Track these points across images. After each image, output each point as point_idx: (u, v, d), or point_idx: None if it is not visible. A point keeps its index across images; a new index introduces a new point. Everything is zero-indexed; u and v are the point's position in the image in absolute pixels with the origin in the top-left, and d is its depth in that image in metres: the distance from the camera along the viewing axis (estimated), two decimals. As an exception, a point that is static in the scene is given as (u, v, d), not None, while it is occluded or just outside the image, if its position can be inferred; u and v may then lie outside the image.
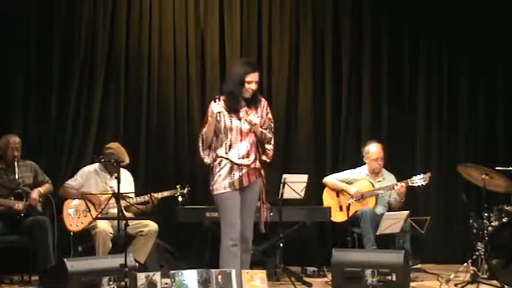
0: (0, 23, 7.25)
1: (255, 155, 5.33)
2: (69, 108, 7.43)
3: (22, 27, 7.38)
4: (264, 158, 5.37)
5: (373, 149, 7.24)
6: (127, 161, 6.52)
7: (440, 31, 8.14)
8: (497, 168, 6.66)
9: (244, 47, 7.89)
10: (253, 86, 5.29)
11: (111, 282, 5.40)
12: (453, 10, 8.11)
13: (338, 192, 7.22)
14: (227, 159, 5.28)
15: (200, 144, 5.36)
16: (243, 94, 5.30)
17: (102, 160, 6.49)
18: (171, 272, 5.24)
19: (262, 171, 5.39)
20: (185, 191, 6.72)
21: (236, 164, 5.28)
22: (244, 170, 5.28)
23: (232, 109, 5.31)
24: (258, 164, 5.35)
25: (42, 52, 7.44)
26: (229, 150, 5.28)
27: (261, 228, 5.51)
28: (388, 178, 7.23)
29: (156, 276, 5.18)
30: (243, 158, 5.28)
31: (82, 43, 7.50)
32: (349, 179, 7.26)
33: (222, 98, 5.33)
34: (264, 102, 5.41)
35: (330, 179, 7.28)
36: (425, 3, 8.12)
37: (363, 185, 7.19)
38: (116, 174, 5.68)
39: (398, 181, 7.07)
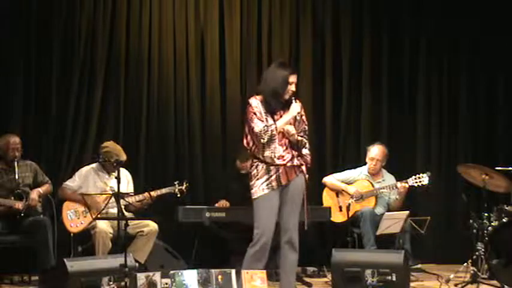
0: (0, 23, 7.25)
1: (291, 155, 5.27)
2: (69, 108, 7.43)
3: (22, 27, 7.37)
4: (304, 162, 5.31)
5: (372, 149, 7.26)
6: (124, 157, 6.53)
7: (440, 30, 8.15)
8: (497, 168, 6.66)
9: (244, 47, 7.89)
10: (293, 88, 5.28)
11: (111, 282, 5.40)
12: (453, 9, 8.11)
13: (338, 192, 7.22)
14: (263, 161, 5.24)
15: (263, 141, 5.18)
16: (293, 99, 5.26)
17: (102, 160, 6.51)
18: (171, 272, 5.25)
19: (303, 169, 5.31)
20: (183, 187, 6.72)
21: (272, 164, 5.23)
22: (281, 169, 5.23)
23: (269, 110, 5.25)
24: (296, 161, 5.27)
25: (42, 52, 7.44)
26: (265, 152, 5.23)
27: (305, 226, 5.36)
28: (388, 179, 7.23)
29: (156, 276, 5.19)
30: (278, 159, 5.24)
31: (82, 43, 7.49)
32: (349, 179, 7.26)
33: (259, 98, 5.29)
34: (299, 104, 5.35)
35: (330, 179, 7.29)
36: (425, 3, 8.13)
37: (363, 185, 7.19)
38: (115, 174, 5.68)
39: (398, 181, 7.06)
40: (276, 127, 5.20)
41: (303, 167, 5.32)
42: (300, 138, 5.29)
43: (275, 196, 5.23)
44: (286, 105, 5.29)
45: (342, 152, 8.03)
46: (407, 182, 6.96)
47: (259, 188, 5.22)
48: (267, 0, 7.93)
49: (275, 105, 5.26)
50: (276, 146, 5.21)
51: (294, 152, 5.28)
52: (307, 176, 5.34)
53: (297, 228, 5.29)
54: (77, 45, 7.49)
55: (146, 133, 7.67)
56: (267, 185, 5.21)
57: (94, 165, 6.76)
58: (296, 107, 5.24)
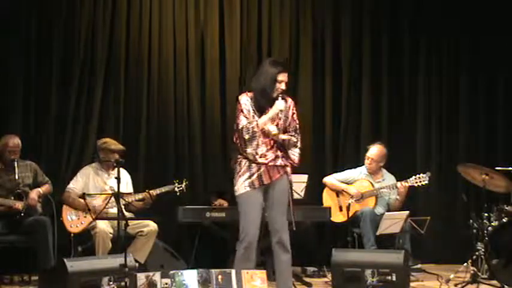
0: (0, 23, 7.25)
1: (275, 155, 5.27)
2: (69, 108, 7.43)
3: (22, 27, 7.38)
4: (289, 162, 5.33)
5: (370, 149, 7.27)
6: (121, 147, 6.64)
7: (440, 30, 8.15)
8: (497, 168, 6.66)
9: (244, 46, 7.89)
10: (283, 86, 5.26)
11: (111, 283, 5.40)
12: (453, 9, 8.11)
13: (338, 192, 7.22)
14: (246, 158, 5.25)
15: (246, 137, 5.22)
16: (280, 96, 5.24)
17: (101, 159, 6.54)
18: (171, 272, 5.24)
19: (288, 170, 5.31)
20: (183, 185, 6.73)
21: (254, 162, 5.24)
22: (263, 168, 5.23)
23: (258, 108, 5.26)
24: (280, 162, 5.27)
25: (42, 52, 7.44)
26: (247, 149, 5.23)
27: (293, 226, 5.37)
28: (388, 179, 7.23)
29: (156, 276, 5.19)
30: (260, 157, 5.24)
31: (82, 43, 7.50)
32: (349, 179, 7.26)
33: (250, 95, 5.31)
34: (289, 102, 5.35)
35: (330, 180, 7.29)
36: (425, 3, 8.13)
37: (363, 185, 7.19)
38: (114, 174, 5.69)
39: (398, 181, 7.07)
40: (257, 124, 5.21)
41: (288, 168, 5.31)
42: (286, 137, 5.28)
43: (257, 194, 5.23)
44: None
45: (341, 152, 8.02)
46: (407, 182, 6.97)
47: (241, 185, 5.23)
48: (267, 0, 7.94)
49: (264, 103, 5.26)
50: (258, 143, 5.21)
51: (279, 151, 5.28)
52: (291, 176, 5.34)
53: (287, 228, 5.28)
54: (76, 45, 7.49)
55: (146, 133, 7.67)
56: (249, 183, 5.22)
57: (94, 164, 6.79)
58: (279, 105, 5.21)
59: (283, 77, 5.26)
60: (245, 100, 5.27)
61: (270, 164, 5.24)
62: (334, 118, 8.04)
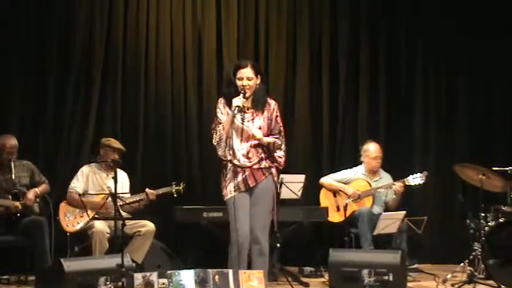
0: (0, 23, 7.25)
1: (258, 157, 5.31)
2: (66, 109, 7.43)
3: (21, 27, 7.37)
4: (275, 164, 5.36)
5: (372, 148, 7.25)
6: (122, 147, 6.69)
7: (438, 31, 8.15)
8: (494, 168, 6.66)
9: (241, 45, 7.89)
10: (245, 82, 5.29)
11: (108, 283, 5.39)
12: (452, 10, 8.11)
13: (335, 192, 7.22)
14: (231, 161, 5.29)
15: (214, 143, 5.34)
16: (241, 93, 5.26)
17: (99, 160, 6.54)
18: (168, 272, 5.24)
19: (273, 171, 5.36)
20: (181, 187, 6.74)
21: (238, 166, 5.28)
22: (247, 172, 5.28)
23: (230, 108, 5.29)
24: (264, 164, 5.31)
25: (39, 52, 7.43)
26: (233, 152, 5.27)
27: (275, 227, 5.44)
28: (385, 177, 7.24)
29: (153, 276, 5.17)
30: (244, 160, 5.28)
31: (79, 43, 7.49)
32: (346, 179, 7.26)
33: (222, 100, 5.39)
34: (273, 105, 5.39)
35: (327, 180, 7.29)
36: (422, 4, 8.13)
37: (360, 185, 7.19)
38: (112, 174, 5.69)
39: (395, 180, 7.08)
40: (223, 126, 5.27)
41: (273, 169, 5.35)
42: (271, 140, 5.32)
43: (244, 197, 5.29)
44: (257, 103, 5.33)
45: (339, 152, 8.02)
46: (404, 182, 6.97)
47: (228, 189, 5.30)
48: (265, -2, 7.95)
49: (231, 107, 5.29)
50: (225, 145, 5.25)
51: (263, 154, 5.32)
52: (276, 177, 5.37)
53: (265, 230, 5.31)
54: (74, 45, 7.49)
55: (144, 133, 7.67)
56: (235, 186, 5.28)
57: (92, 164, 6.78)
58: (234, 102, 5.24)
59: (241, 74, 5.31)
60: (219, 105, 5.38)
61: (254, 167, 5.28)
62: (331, 118, 8.03)
